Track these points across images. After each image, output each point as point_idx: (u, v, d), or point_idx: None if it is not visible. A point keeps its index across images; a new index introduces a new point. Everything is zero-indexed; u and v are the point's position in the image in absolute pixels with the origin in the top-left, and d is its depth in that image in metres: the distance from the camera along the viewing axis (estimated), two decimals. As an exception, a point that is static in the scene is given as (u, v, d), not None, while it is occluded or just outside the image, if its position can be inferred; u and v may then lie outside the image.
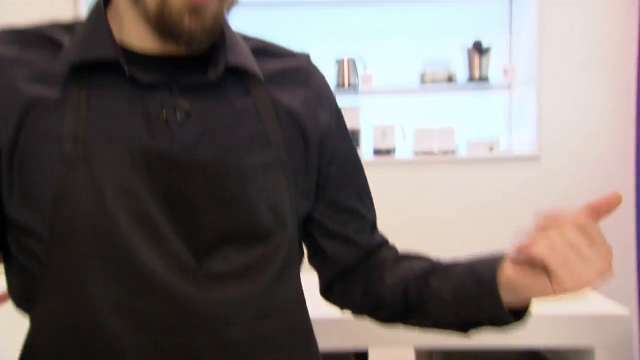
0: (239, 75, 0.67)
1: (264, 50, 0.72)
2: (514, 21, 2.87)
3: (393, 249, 0.77)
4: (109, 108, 0.61)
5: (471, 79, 2.75)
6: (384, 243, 0.77)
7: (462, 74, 2.78)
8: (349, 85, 2.75)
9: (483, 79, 2.73)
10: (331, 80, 2.71)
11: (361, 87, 2.74)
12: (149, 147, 0.60)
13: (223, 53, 0.65)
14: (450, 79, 2.72)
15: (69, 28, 0.65)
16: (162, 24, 0.59)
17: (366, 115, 2.80)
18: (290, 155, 0.67)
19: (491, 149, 2.72)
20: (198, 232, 0.60)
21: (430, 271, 0.69)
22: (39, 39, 0.64)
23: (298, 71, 0.73)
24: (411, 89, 2.82)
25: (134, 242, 0.58)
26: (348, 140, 0.76)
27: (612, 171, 2.69)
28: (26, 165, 0.60)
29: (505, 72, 2.73)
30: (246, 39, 0.72)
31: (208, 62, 0.65)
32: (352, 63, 2.76)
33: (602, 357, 1.48)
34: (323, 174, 0.72)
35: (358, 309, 0.76)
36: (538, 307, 1.50)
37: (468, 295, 0.64)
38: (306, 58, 0.75)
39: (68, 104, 0.60)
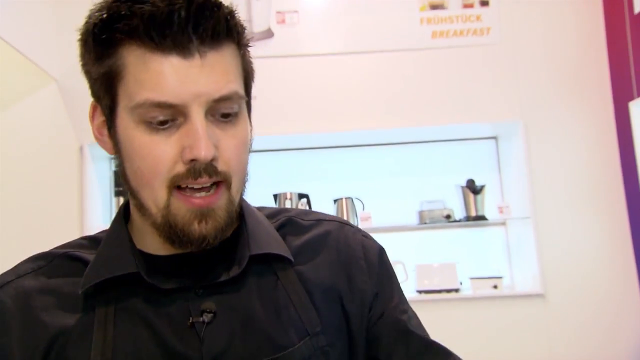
0: (264, 257, 0.63)
1: (290, 224, 0.70)
2: (501, 161, 3.00)
3: None
4: (135, 323, 0.59)
5: (468, 217, 2.80)
6: None
7: (458, 211, 2.83)
8: (348, 224, 2.78)
9: (479, 217, 2.78)
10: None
11: (360, 225, 2.78)
12: None
13: (245, 244, 0.63)
14: (448, 217, 2.77)
15: (94, 241, 0.67)
16: (171, 235, 0.58)
17: (366, 254, 2.79)
18: (331, 338, 0.62)
19: (495, 287, 2.68)
20: None
21: None
22: (65, 261, 0.64)
23: (326, 237, 0.69)
24: (409, 227, 2.86)
25: None
26: (391, 290, 0.69)
27: (618, 303, 2.62)
28: None
29: (500, 209, 2.78)
30: (271, 215, 0.70)
31: (231, 253, 0.63)
32: (351, 202, 2.83)
33: None
34: (370, 341, 0.66)
35: None
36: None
37: None
38: (334, 222, 0.71)
39: (95, 327, 0.59)
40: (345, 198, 2.82)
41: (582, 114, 2.79)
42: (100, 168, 2.78)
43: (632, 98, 2.62)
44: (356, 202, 2.86)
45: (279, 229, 0.68)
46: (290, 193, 2.75)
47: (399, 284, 0.72)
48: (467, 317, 2.61)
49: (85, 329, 0.59)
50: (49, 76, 2.54)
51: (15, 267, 0.65)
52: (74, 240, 0.68)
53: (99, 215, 2.68)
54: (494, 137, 3.03)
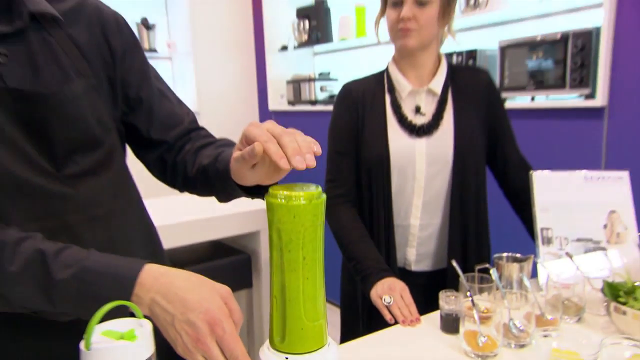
0: (38, 19, 0.74)
1: None
2: (169, 4, 3.53)
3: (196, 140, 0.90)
4: None
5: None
6: (187, 132, 0.92)
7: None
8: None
9: (152, 49, 3.34)
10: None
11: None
12: None
13: (22, 2, 0.72)
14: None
15: None
16: None
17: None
18: (98, 80, 0.79)
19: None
20: (52, 146, 0.74)
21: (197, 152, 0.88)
22: None
23: (85, 7, 0.80)
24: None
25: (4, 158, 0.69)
26: (139, 51, 0.87)
27: (245, 117, 3.70)
28: None
29: (168, 45, 3.37)
30: None
31: (8, 11, 0.72)
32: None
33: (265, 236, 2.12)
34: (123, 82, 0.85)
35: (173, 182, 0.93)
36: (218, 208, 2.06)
37: (210, 174, 0.82)
38: None
39: None
40: None
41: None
42: None
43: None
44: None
45: None
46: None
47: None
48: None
49: None
50: None
51: None
52: None
53: None
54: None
